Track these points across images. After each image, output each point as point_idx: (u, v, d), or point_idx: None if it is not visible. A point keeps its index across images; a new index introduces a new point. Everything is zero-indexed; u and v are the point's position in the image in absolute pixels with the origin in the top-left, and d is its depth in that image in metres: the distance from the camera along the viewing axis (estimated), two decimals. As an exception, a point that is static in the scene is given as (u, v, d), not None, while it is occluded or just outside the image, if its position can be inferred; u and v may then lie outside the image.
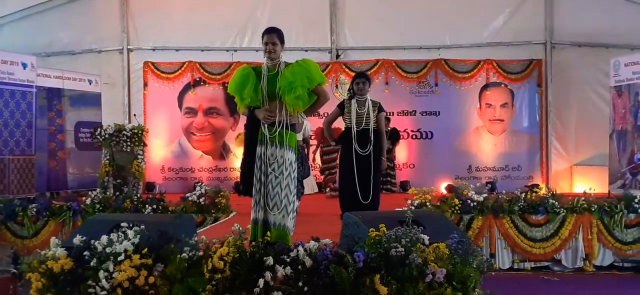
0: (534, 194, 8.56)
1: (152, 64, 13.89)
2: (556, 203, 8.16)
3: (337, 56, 14.11)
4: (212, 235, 4.35)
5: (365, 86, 7.09)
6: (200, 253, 3.87)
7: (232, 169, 13.84)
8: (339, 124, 7.67)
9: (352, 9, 14.16)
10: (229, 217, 8.56)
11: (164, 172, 13.91)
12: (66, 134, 12.41)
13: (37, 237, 8.56)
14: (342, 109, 7.24)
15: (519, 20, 13.78)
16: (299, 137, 9.68)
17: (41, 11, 14.04)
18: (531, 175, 13.77)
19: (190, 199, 8.96)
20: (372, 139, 7.01)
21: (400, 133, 13.30)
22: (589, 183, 10.93)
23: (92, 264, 3.74)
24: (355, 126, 7.03)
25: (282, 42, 5.09)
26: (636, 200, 8.25)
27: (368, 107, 7.05)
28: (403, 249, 3.76)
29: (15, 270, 5.62)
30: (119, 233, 3.90)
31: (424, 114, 13.80)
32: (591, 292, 7.32)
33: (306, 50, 13.86)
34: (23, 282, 3.88)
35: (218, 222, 8.46)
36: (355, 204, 6.81)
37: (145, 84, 13.93)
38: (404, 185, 13.03)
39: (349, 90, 7.35)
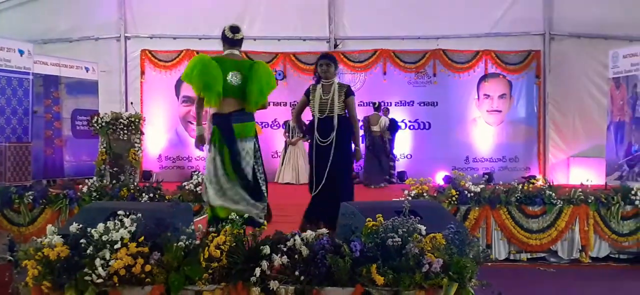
0: (531, 185, 8.56)
1: (150, 52, 13.85)
2: (553, 194, 8.17)
3: (335, 46, 14.07)
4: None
5: (330, 68, 6.20)
6: (197, 242, 3.86)
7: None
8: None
9: (350, -2, 14.14)
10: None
11: (161, 160, 13.90)
12: (63, 122, 12.38)
13: (34, 224, 8.54)
14: (308, 95, 6.39)
15: (518, 11, 13.75)
16: (377, 128, 11.79)
17: (38, -2, 14.00)
18: (528, 167, 13.80)
19: (187, 187, 8.94)
20: (335, 126, 6.10)
21: (398, 123, 13.33)
22: (586, 174, 10.94)
23: (88, 251, 3.72)
24: (317, 114, 6.23)
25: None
26: (633, 192, 8.26)
27: (333, 92, 6.18)
28: (400, 239, 3.76)
29: (11, 258, 5.61)
30: (116, 221, 3.90)
31: (422, 104, 13.80)
32: (587, 284, 7.33)
33: (304, 40, 13.85)
34: (19, 269, 3.87)
35: (215, 211, 8.43)
36: (320, 200, 6.06)
37: (143, 72, 13.89)
38: (401, 176, 13.04)
39: (315, 73, 6.42)
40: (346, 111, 6.26)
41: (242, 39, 5.25)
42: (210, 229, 3.97)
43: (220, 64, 5.03)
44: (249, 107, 5.12)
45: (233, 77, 5.03)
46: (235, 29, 5.17)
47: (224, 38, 5.21)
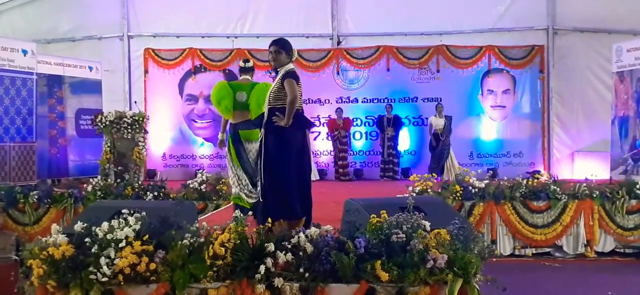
0: (535, 181, 8.55)
1: (153, 50, 13.84)
2: (558, 189, 8.17)
3: (339, 43, 14.06)
4: (214, 222, 4.36)
5: (279, 56, 5.25)
6: (202, 240, 3.86)
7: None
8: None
9: (353, -6, 14.11)
10: (230, 203, 8.55)
11: (165, 159, 13.91)
12: (67, 121, 12.38)
13: (39, 224, 8.57)
14: None
15: (521, 6, 13.70)
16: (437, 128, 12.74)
17: (41, -3, 14.01)
18: (533, 162, 13.76)
19: (191, 185, 8.97)
20: (263, 124, 5.21)
21: (402, 119, 13.34)
22: (590, 169, 10.92)
23: (93, 250, 3.74)
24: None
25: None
26: (638, 186, 8.26)
27: (275, 83, 5.22)
28: (404, 235, 3.76)
29: (16, 257, 5.64)
30: (120, 220, 3.91)
31: (426, 100, 13.77)
32: (592, 278, 7.33)
33: (307, 37, 13.84)
34: (25, 269, 3.89)
35: (219, 209, 8.47)
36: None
37: (146, 71, 13.90)
38: (406, 172, 13.03)
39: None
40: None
41: (252, 67, 6.87)
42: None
43: (232, 87, 6.59)
44: (252, 117, 6.37)
45: (240, 96, 6.50)
46: (246, 61, 6.92)
47: (239, 68, 6.99)
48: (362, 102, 13.86)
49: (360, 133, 13.87)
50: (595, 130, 13.02)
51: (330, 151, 13.63)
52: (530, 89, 13.87)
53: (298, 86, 5.09)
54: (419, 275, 3.64)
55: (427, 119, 13.79)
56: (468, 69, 13.62)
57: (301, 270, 3.72)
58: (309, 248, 3.80)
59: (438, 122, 12.73)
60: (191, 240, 3.81)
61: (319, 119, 13.69)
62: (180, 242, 3.76)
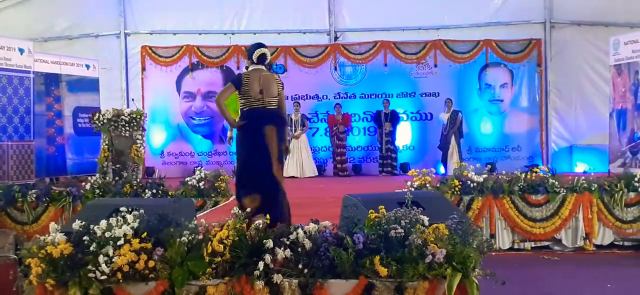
0: (533, 174, 8.55)
1: (150, 48, 13.82)
2: (556, 183, 8.17)
3: (336, 38, 14.04)
4: (212, 219, 4.35)
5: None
6: (200, 237, 3.86)
7: (231, 153, 13.84)
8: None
9: (350, -10, 14.09)
10: (229, 201, 8.56)
11: (164, 156, 13.90)
12: (64, 119, 12.35)
13: (37, 222, 8.57)
14: None
15: (518, 0, 13.70)
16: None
17: (37, -5, 13.98)
18: (531, 155, 13.76)
19: (190, 183, 8.96)
20: None
21: (399, 114, 13.34)
22: (588, 162, 10.93)
23: (91, 248, 3.73)
24: None
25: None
26: (636, 179, 8.26)
27: None
28: (403, 230, 3.76)
29: (15, 256, 5.63)
30: (119, 218, 3.90)
31: (424, 95, 13.77)
32: (591, 271, 7.33)
33: (304, 33, 13.82)
34: (23, 267, 3.88)
35: (218, 206, 8.46)
36: None
37: (143, 69, 13.87)
38: (404, 167, 13.02)
39: None
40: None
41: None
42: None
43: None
44: None
45: None
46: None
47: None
48: (360, 97, 13.86)
49: (359, 128, 13.87)
50: (594, 124, 13.02)
51: (329, 147, 13.62)
52: (528, 83, 13.86)
53: (249, 85, 5.35)
54: (417, 270, 3.64)
55: (425, 113, 13.84)
56: (465, 63, 13.61)
57: (300, 266, 3.72)
58: (308, 244, 3.80)
59: (444, 117, 12.78)
60: (190, 238, 3.80)
61: (317, 115, 13.69)
62: (178, 240, 3.76)
